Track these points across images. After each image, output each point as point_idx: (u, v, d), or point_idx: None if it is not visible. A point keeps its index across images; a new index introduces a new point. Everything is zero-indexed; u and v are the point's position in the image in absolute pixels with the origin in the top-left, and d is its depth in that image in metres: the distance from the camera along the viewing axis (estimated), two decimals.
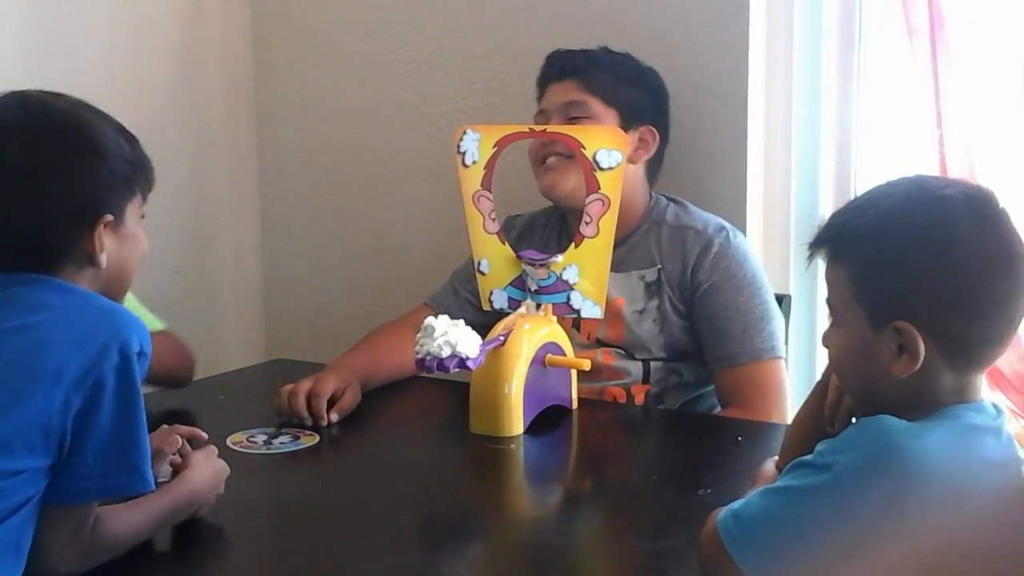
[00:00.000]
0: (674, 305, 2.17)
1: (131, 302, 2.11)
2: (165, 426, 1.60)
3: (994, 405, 1.28)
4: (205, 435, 1.61)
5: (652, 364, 2.18)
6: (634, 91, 2.23)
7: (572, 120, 2.17)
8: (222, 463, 1.56)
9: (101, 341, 1.30)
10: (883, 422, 1.22)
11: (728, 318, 2.13)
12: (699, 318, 2.16)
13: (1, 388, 1.26)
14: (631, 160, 2.16)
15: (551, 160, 2.18)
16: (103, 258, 1.40)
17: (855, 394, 1.36)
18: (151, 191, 1.51)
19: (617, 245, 2.09)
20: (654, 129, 2.24)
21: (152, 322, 2.12)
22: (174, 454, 1.53)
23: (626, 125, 2.18)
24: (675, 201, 2.28)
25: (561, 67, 2.25)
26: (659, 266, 2.19)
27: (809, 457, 1.24)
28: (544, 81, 2.28)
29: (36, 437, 1.26)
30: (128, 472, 1.32)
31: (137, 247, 1.48)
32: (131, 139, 1.48)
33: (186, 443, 1.56)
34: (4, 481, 1.25)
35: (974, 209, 1.25)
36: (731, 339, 2.12)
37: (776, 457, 1.51)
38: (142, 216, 1.49)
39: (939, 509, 1.16)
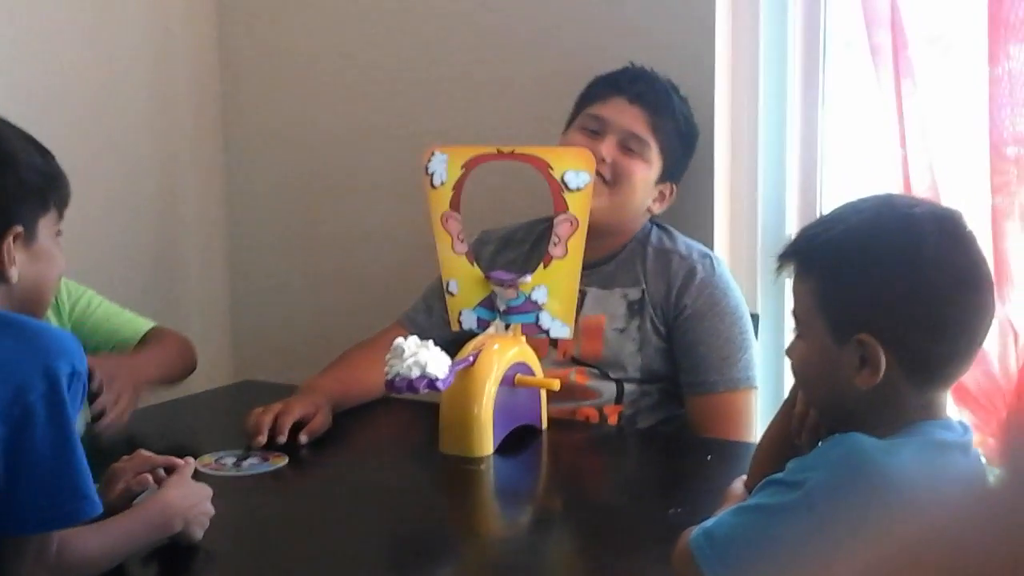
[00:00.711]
0: (655, 326, 2.17)
1: (110, 308, 2.11)
2: (142, 451, 1.57)
3: (961, 423, 1.30)
4: (181, 461, 1.57)
5: (626, 385, 2.18)
6: (684, 149, 2.27)
7: (626, 151, 2.19)
8: (198, 484, 1.55)
9: (24, 370, 1.24)
10: (853, 439, 1.23)
11: (709, 345, 2.14)
12: (679, 343, 2.16)
13: None
14: (649, 210, 2.24)
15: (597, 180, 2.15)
16: (13, 272, 1.34)
17: (819, 405, 1.38)
18: (66, 207, 1.44)
19: (604, 262, 2.11)
20: (675, 186, 2.28)
21: (139, 323, 2.13)
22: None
23: (660, 180, 2.24)
24: (659, 225, 2.29)
25: (640, 92, 2.22)
26: (643, 286, 2.20)
27: (780, 475, 1.25)
28: (612, 88, 2.25)
29: None
30: (75, 498, 1.28)
31: (52, 265, 1.41)
32: (44, 152, 1.41)
33: (161, 471, 1.53)
34: None
35: (941, 229, 1.27)
36: (709, 366, 2.14)
37: (745, 477, 1.52)
38: (58, 233, 1.42)
39: (908, 524, 1.17)
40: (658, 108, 2.22)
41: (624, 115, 2.20)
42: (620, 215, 2.21)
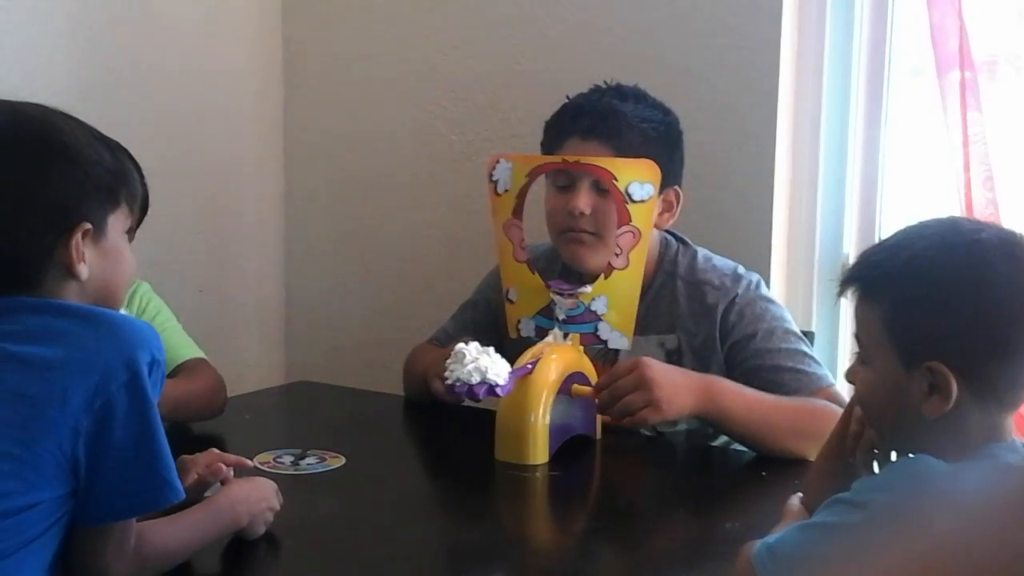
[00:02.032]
0: (698, 372, 2.04)
1: (170, 327, 2.12)
2: (214, 450, 1.60)
3: None
4: (250, 463, 1.60)
5: (678, 427, 2.11)
6: (662, 149, 2.09)
7: (603, 191, 2.04)
8: (263, 480, 1.57)
9: (105, 361, 1.26)
10: (922, 462, 1.23)
11: (775, 359, 2.04)
12: (740, 369, 2.05)
13: (7, 422, 1.24)
14: (656, 226, 2.09)
15: (580, 235, 2.08)
16: (83, 269, 1.34)
17: (883, 431, 1.37)
18: (138, 203, 1.43)
19: None
20: (679, 188, 2.15)
21: (184, 350, 2.13)
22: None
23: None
24: (680, 240, 2.20)
25: (589, 126, 2.08)
26: (679, 333, 2.12)
27: (847, 494, 1.25)
28: (562, 133, 2.12)
29: (48, 468, 1.24)
30: (156, 486, 1.30)
31: (122, 263, 1.40)
32: (114, 148, 1.40)
33: (229, 470, 1.56)
34: (17, 517, 1.23)
35: (1008, 253, 1.26)
36: (787, 376, 2.03)
37: (801, 493, 1.52)
38: (130, 230, 1.42)
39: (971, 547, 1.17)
40: (614, 130, 2.06)
41: (583, 156, 2.05)
42: None
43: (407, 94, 2.88)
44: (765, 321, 2.08)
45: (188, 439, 1.94)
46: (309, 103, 3.04)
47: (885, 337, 1.30)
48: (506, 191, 2.08)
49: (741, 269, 2.16)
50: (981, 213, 2.23)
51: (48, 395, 1.24)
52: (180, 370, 2.08)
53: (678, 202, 2.16)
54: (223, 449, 1.63)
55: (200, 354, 2.15)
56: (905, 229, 1.35)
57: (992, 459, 1.24)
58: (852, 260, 2.41)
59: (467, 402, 1.91)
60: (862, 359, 1.35)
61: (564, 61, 2.63)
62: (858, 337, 1.35)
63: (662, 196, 2.08)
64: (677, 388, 1.92)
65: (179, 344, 2.12)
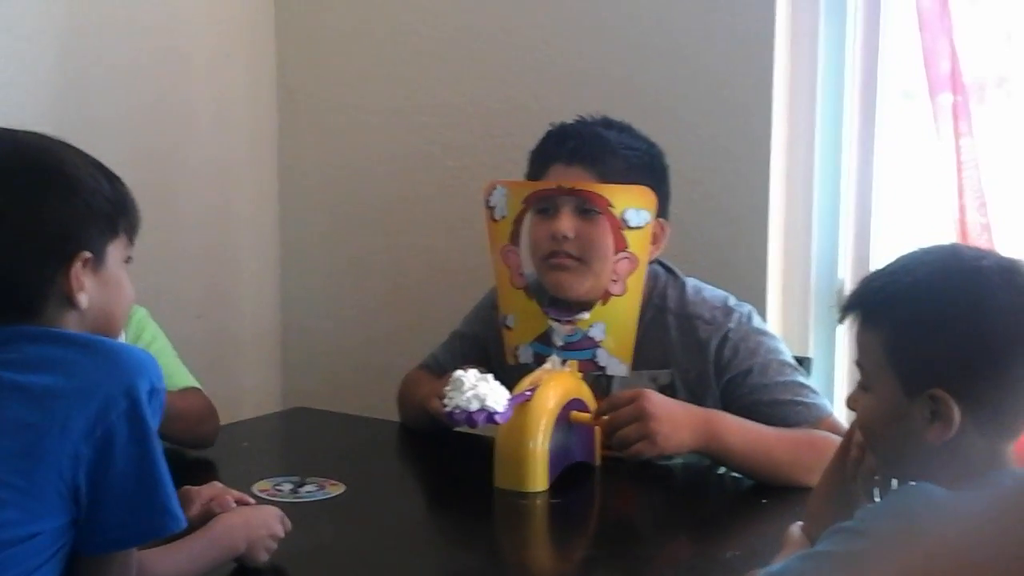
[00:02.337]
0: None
1: (165, 354, 2.12)
2: (217, 484, 1.60)
3: None
4: (252, 501, 1.60)
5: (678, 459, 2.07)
6: (646, 179, 2.07)
7: (586, 214, 2.03)
8: (264, 507, 1.58)
9: (105, 389, 1.26)
10: (923, 490, 1.23)
11: (772, 394, 2.02)
12: (739, 404, 2.02)
13: (7, 451, 1.23)
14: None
15: (563, 261, 2.05)
16: (83, 298, 1.34)
17: (884, 457, 1.37)
18: (136, 233, 1.44)
19: None
20: (664, 221, 2.12)
21: (176, 378, 2.12)
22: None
23: None
24: (669, 271, 2.17)
25: (573, 150, 2.06)
26: (672, 369, 2.09)
27: (849, 523, 1.25)
28: (546, 159, 2.11)
29: (50, 497, 1.24)
30: (158, 514, 1.30)
31: (121, 291, 1.41)
32: (112, 177, 1.41)
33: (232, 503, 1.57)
34: (18, 547, 1.23)
35: (1008, 281, 1.27)
36: (786, 409, 2.01)
37: (802, 522, 1.52)
38: (128, 259, 1.43)
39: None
40: (598, 155, 2.05)
41: (567, 181, 2.04)
42: None
43: (402, 120, 2.89)
44: (759, 355, 2.05)
45: (184, 467, 1.94)
46: (304, 130, 3.04)
47: (886, 363, 1.30)
48: (503, 217, 2.09)
49: (732, 300, 2.12)
50: (976, 238, 2.24)
51: (48, 424, 1.24)
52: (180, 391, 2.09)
53: (663, 235, 2.12)
54: (219, 476, 1.63)
55: (194, 383, 2.15)
56: (906, 255, 1.35)
57: (992, 488, 1.24)
58: (847, 286, 2.45)
59: (464, 428, 1.91)
60: (863, 385, 1.35)
61: (560, 86, 2.63)
62: (859, 363, 1.36)
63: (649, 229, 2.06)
64: (676, 423, 1.91)
65: (172, 372, 2.12)
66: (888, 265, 1.37)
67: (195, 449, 2.08)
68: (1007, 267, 1.29)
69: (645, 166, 2.09)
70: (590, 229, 2.04)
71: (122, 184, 1.42)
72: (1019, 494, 1.10)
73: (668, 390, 2.07)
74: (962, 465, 1.27)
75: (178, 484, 1.54)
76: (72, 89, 2.56)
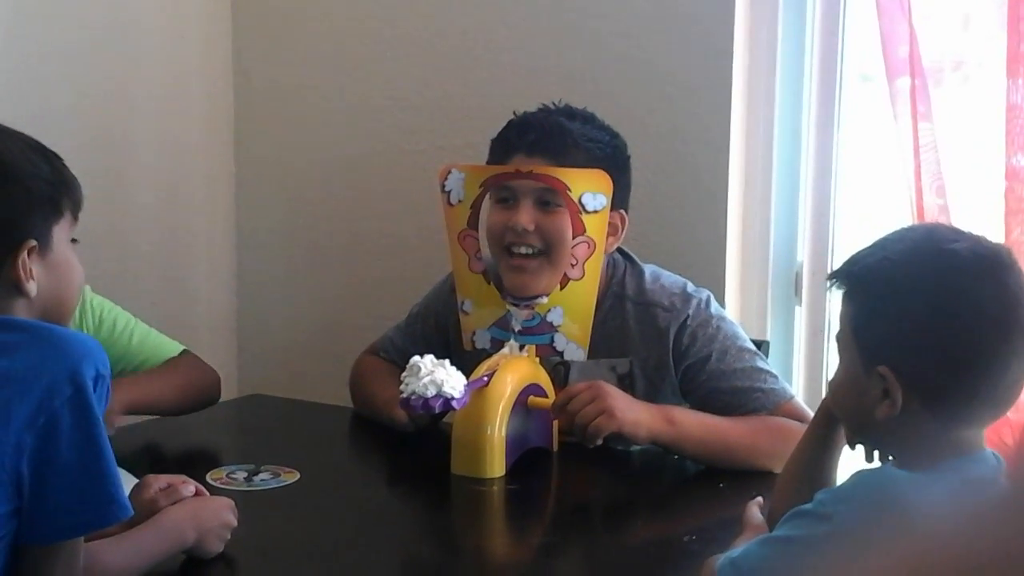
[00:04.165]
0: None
1: (141, 333, 2.10)
2: (182, 476, 1.57)
3: (994, 454, 1.28)
4: (207, 493, 1.57)
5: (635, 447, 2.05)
6: (608, 170, 2.02)
7: (546, 206, 2.01)
8: (216, 497, 1.56)
9: (49, 376, 1.24)
10: (884, 473, 1.23)
11: (731, 381, 2.01)
12: (698, 392, 2.03)
13: None
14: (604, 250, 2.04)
15: (524, 262, 2.01)
16: (31, 287, 1.32)
17: (849, 427, 1.39)
18: (80, 209, 1.40)
19: None
20: (624, 213, 2.10)
21: (165, 348, 2.12)
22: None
23: None
24: (627, 258, 2.14)
25: (534, 142, 2.03)
26: (630, 357, 2.07)
27: (809, 506, 1.25)
28: (508, 148, 2.07)
29: None
30: (103, 503, 1.27)
31: (71, 273, 1.38)
32: (51, 158, 1.38)
33: (188, 489, 1.54)
34: None
35: (979, 266, 1.25)
36: (745, 396, 1.99)
37: (760, 499, 1.51)
38: (73, 240, 1.40)
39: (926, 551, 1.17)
40: (560, 148, 2.02)
41: (525, 166, 2.02)
42: None
43: (357, 104, 2.86)
44: (718, 341, 2.04)
45: (138, 453, 1.92)
46: (260, 114, 3.01)
47: (851, 336, 1.31)
48: (459, 202, 2.07)
49: (690, 287, 2.10)
50: (932, 219, 2.24)
51: None
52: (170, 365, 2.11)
53: (623, 226, 2.10)
54: (173, 465, 1.61)
55: (179, 347, 2.16)
56: (889, 233, 1.34)
57: (955, 473, 1.23)
58: (806, 269, 2.45)
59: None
60: (839, 353, 1.36)
61: (519, 72, 2.61)
62: (837, 334, 1.36)
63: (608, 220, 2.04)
64: (632, 402, 1.92)
65: (157, 345, 2.14)
66: (876, 240, 1.35)
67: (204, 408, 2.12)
68: (980, 252, 1.27)
69: (607, 158, 2.06)
70: (550, 221, 2.01)
71: (61, 162, 1.40)
72: (1019, 490, 1.09)
73: (627, 378, 2.07)
74: (918, 447, 1.26)
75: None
76: (20, 73, 2.51)
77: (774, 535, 1.28)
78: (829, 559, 1.20)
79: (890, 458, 1.32)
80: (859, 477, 1.27)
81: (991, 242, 1.30)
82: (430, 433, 2.04)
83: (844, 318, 1.33)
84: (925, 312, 1.25)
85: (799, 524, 1.24)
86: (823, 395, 2.41)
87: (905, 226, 1.35)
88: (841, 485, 1.26)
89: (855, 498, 1.22)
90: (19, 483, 1.23)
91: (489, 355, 1.99)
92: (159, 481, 1.53)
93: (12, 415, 1.22)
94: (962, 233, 1.31)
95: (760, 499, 1.52)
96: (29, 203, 1.33)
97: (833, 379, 1.37)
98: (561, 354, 2.04)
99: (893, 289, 1.27)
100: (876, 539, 1.18)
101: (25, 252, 1.32)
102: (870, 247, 1.33)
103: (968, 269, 1.25)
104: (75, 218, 1.40)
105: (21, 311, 1.33)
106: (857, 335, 1.30)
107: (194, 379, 2.13)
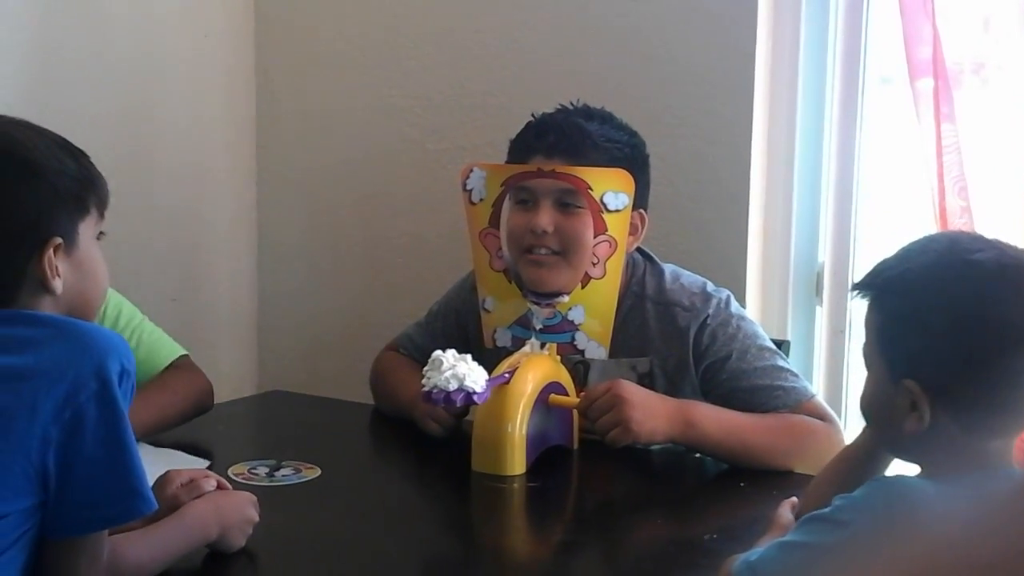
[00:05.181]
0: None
1: (146, 332, 2.10)
2: (205, 471, 1.58)
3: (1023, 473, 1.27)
4: (229, 487, 1.57)
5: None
6: (631, 172, 2.03)
7: (565, 207, 2.01)
8: (238, 492, 1.56)
9: (75, 370, 1.25)
10: (902, 482, 1.23)
11: (752, 379, 2.01)
12: (719, 393, 2.02)
13: None
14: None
15: (542, 257, 2.02)
16: (57, 284, 1.33)
17: (878, 440, 1.38)
18: (106, 207, 1.41)
19: None
20: (644, 212, 2.10)
21: (166, 351, 2.11)
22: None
23: None
24: (647, 258, 2.15)
25: (553, 144, 2.03)
26: (651, 356, 2.08)
27: (826, 511, 1.24)
28: (527, 150, 2.07)
29: (16, 479, 1.22)
30: (129, 496, 1.28)
31: (97, 271, 1.39)
32: (77, 155, 1.38)
33: (211, 484, 1.54)
34: None
35: (1003, 276, 1.24)
36: (766, 394, 2.00)
37: (794, 499, 1.51)
38: (100, 235, 1.41)
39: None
40: (579, 149, 2.02)
41: (546, 165, 2.02)
42: None
43: (381, 100, 2.86)
44: (738, 340, 2.04)
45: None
46: (280, 114, 3.02)
47: (878, 347, 1.30)
48: (481, 200, 2.08)
49: (710, 286, 2.11)
50: (955, 221, 2.23)
51: (16, 406, 1.23)
52: (162, 373, 2.08)
53: (643, 226, 2.11)
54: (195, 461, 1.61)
55: (181, 350, 2.15)
56: (912, 243, 1.33)
57: (976, 487, 1.22)
58: (828, 270, 2.45)
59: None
60: (866, 364, 1.35)
61: (540, 70, 2.62)
62: (863, 345, 1.35)
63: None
64: (650, 410, 1.91)
65: (157, 348, 2.12)
66: (900, 249, 1.34)
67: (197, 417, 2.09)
68: (1004, 262, 1.25)
69: (626, 158, 2.06)
70: (569, 223, 2.01)
71: (87, 159, 1.40)
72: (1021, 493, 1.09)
73: (647, 378, 2.07)
74: (951, 460, 1.25)
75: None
76: (46, 80, 2.52)
77: (790, 540, 1.27)
78: (845, 567, 1.20)
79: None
80: (875, 485, 1.25)
81: (1015, 250, 1.28)
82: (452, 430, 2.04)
83: (869, 331, 1.32)
84: (950, 325, 1.23)
85: (816, 530, 1.24)
86: (843, 395, 2.45)
87: (927, 235, 1.33)
88: (857, 492, 1.24)
89: (871, 507, 1.21)
90: (45, 477, 1.24)
91: (510, 353, 2.00)
92: (181, 475, 1.54)
93: (38, 409, 1.23)
94: (986, 241, 1.29)
95: (795, 499, 1.51)
96: (55, 200, 1.33)
97: (863, 392, 1.35)
98: (582, 352, 2.04)
99: (916, 302, 1.26)
100: (890, 549, 1.18)
101: (51, 249, 1.33)
102: (893, 257, 1.32)
103: (993, 281, 1.23)
104: (101, 215, 1.41)
105: (47, 308, 1.34)
106: (883, 349, 1.29)
107: (194, 391, 2.09)
